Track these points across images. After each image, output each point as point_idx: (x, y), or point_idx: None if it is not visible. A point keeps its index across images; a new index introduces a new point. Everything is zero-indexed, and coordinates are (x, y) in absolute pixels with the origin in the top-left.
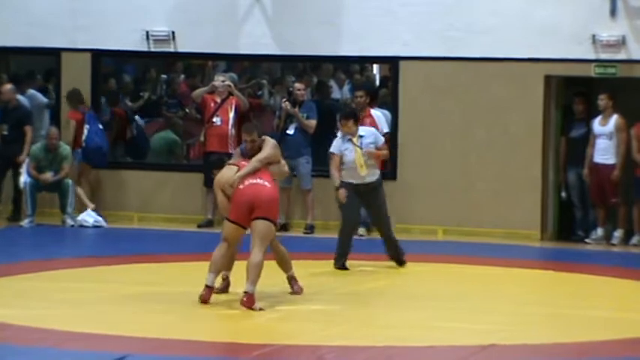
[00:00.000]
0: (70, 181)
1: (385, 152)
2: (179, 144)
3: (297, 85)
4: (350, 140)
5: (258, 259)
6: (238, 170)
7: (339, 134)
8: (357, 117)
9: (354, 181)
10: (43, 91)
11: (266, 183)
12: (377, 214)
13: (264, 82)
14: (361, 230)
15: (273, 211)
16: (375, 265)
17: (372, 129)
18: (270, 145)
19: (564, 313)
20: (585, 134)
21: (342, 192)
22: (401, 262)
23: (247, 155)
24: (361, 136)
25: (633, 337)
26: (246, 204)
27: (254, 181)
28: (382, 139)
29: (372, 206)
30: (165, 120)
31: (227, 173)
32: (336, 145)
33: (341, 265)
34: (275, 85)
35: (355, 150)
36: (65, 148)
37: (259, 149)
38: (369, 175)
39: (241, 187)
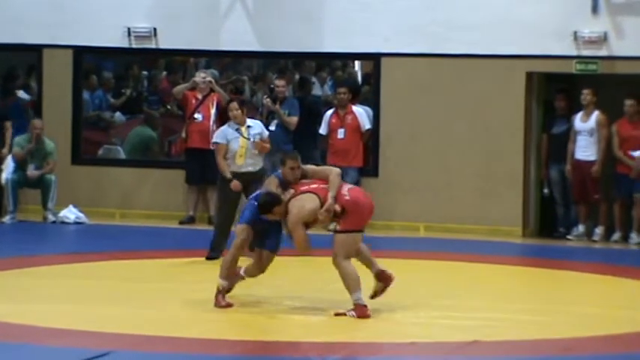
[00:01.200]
0: (52, 177)
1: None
2: (156, 140)
3: (278, 82)
4: (238, 130)
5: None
6: (294, 194)
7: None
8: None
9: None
10: (26, 88)
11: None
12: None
13: (245, 78)
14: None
15: None
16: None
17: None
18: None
19: (546, 310)
20: (567, 131)
21: (237, 183)
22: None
23: (289, 183)
24: (249, 127)
25: (616, 333)
26: (369, 209)
27: (349, 187)
28: (267, 132)
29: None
30: (143, 116)
31: (306, 204)
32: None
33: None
34: (257, 81)
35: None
36: (50, 144)
37: (303, 177)
38: (249, 165)
39: (348, 197)
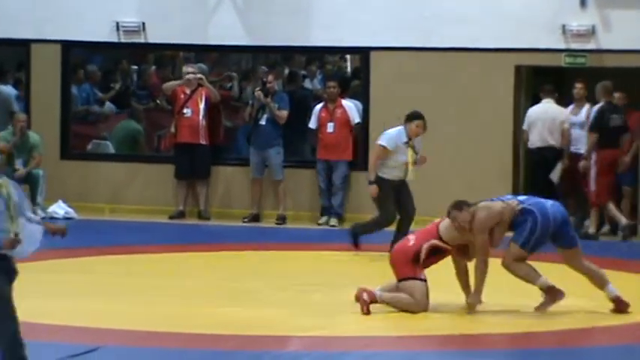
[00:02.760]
0: (40, 171)
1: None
2: (142, 133)
3: (270, 77)
4: (407, 143)
5: None
6: None
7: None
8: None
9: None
10: (17, 83)
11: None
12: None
13: (235, 75)
14: (333, 220)
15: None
16: (349, 255)
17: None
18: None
19: (537, 302)
20: None
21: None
22: None
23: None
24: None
25: (606, 325)
26: None
27: None
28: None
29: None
30: (128, 110)
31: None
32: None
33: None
34: (246, 76)
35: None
36: (34, 136)
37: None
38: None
39: None
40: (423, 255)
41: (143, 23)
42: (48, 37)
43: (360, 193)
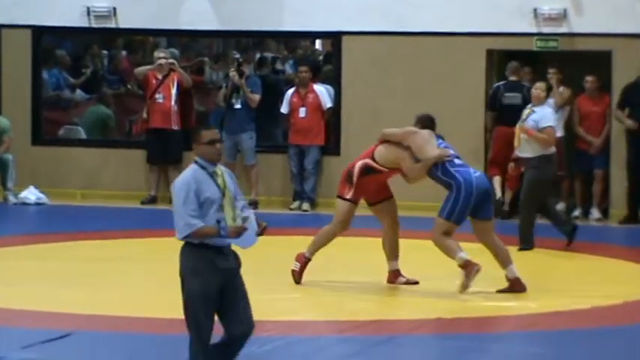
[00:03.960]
0: (10, 156)
1: (541, 136)
2: (112, 118)
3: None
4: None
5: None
6: None
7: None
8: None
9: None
10: None
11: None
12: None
13: (206, 59)
14: (305, 205)
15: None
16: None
17: (550, 111)
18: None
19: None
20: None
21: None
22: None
23: None
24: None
25: (577, 308)
26: None
27: None
28: (548, 122)
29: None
30: (97, 95)
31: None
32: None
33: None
34: (217, 60)
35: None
36: (3, 120)
37: None
38: (523, 150)
39: None
40: (356, 173)
41: (114, 8)
42: (19, 22)
43: (332, 177)
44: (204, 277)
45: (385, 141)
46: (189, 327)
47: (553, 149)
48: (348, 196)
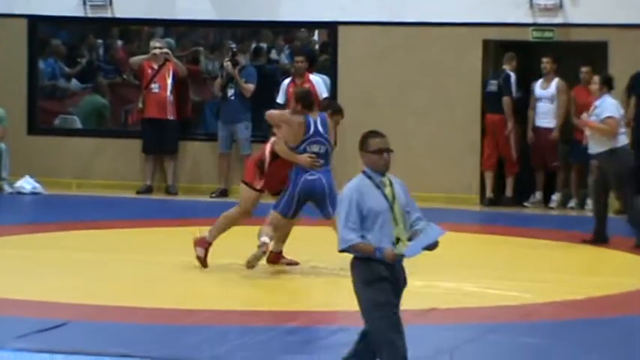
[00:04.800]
0: (3, 146)
1: (602, 127)
2: (108, 107)
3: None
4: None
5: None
6: None
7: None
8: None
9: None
10: None
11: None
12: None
13: (201, 49)
14: None
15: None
16: (318, 229)
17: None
18: None
19: (504, 276)
20: (519, 98)
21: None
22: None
23: None
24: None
25: (572, 299)
26: None
27: None
28: (607, 112)
29: None
30: (93, 84)
31: None
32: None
33: None
34: (213, 50)
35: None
36: None
37: None
38: (592, 146)
39: None
40: (267, 157)
41: None
42: (14, 12)
43: None
44: (377, 285)
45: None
46: (378, 345)
47: (620, 140)
48: (258, 187)
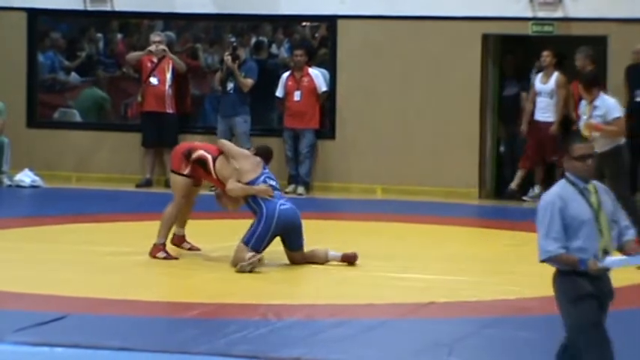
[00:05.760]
0: (5, 139)
1: (612, 129)
2: (108, 100)
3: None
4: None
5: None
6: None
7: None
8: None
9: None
10: None
11: None
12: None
13: (198, 45)
14: (300, 189)
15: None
16: (318, 223)
17: (612, 101)
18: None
19: (502, 270)
20: (517, 93)
21: None
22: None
23: None
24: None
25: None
26: None
27: None
28: (615, 113)
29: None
30: (93, 78)
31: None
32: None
33: None
34: (213, 44)
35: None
36: None
37: None
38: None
39: None
40: (194, 156)
41: None
42: (14, 5)
43: (327, 161)
44: (583, 304)
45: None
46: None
47: (623, 139)
48: (185, 172)
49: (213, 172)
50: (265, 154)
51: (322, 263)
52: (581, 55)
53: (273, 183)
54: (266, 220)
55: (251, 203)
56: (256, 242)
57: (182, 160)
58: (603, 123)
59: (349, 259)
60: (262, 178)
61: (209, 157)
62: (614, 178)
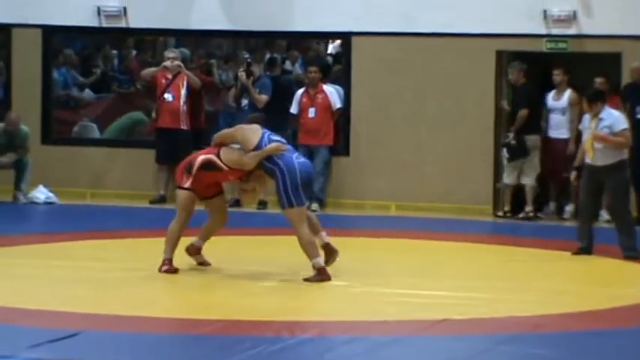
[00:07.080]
0: (29, 160)
1: (619, 140)
2: (145, 122)
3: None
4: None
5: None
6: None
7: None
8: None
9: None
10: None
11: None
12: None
13: (213, 61)
14: (314, 205)
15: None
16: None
17: (618, 114)
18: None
19: (517, 287)
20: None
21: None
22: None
23: None
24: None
25: (585, 310)
26: None
27: None
28: (622, 125)
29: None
30: (107, 95)
31: None
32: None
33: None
34: (227, 60)
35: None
36: (24, 129)
37: None
38: (599, 158)
39: None
40: (195, 165)
41: (124, 8)
42: (29, 22)
43: (342, 178)
44: None
45: (221, 144)
46: None
47: (627, 154)
48: (186, 185)
49: (223, 165)
50: (259, 120)
51: (313, 233)
52: (514, 70)
53: (278, 138)
54: (289, 174)
55: (266, 164)
56: (295, 197)
57: (183, 173)
58: (610, 134)
59: (329, 251)
60: (265, 136)
61: (212, 156)
62: (615, 192)
